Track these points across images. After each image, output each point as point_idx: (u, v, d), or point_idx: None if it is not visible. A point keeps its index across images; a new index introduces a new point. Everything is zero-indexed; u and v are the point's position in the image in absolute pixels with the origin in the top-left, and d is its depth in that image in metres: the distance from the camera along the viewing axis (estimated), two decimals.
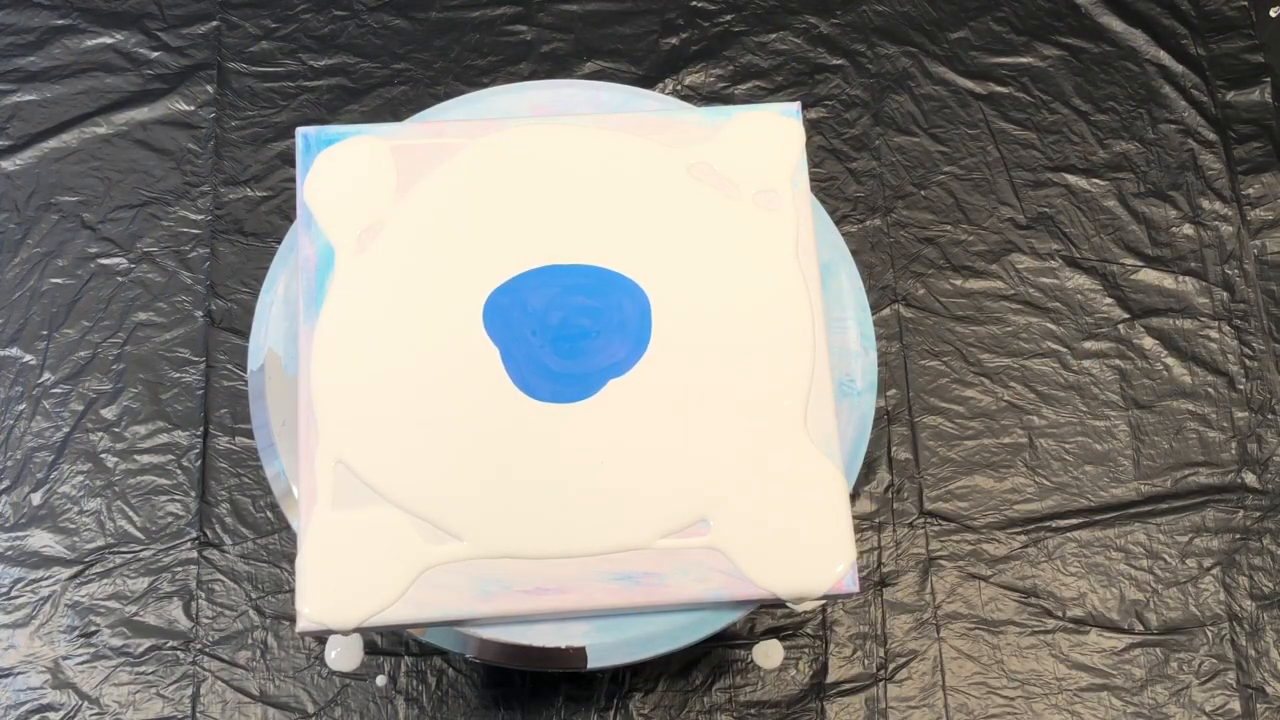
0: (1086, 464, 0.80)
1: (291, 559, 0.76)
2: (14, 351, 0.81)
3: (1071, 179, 0.87)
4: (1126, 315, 0.84)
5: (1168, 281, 0.85)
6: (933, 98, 0.89)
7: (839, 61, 0.90)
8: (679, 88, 0.88)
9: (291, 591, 0.76)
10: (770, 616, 0.76)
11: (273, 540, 0.77)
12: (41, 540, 0.77)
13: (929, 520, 0.79)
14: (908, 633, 0.77)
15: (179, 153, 0.86)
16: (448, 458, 0.53)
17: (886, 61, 0.90)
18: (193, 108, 0.87)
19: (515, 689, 0.75)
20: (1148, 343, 0.83)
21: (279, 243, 0.62)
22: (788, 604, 0.53)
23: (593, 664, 0.54)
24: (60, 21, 0.89)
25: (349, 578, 0.51)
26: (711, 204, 0.57)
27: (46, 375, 0.80)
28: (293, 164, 0.85)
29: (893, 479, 0.80)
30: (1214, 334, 0.84)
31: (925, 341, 0.83)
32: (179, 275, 0.83)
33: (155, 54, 0.88)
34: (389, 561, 0.51)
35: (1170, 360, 0.83)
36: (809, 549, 0.53)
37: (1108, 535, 0.79)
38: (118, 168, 0.85)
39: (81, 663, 0.75)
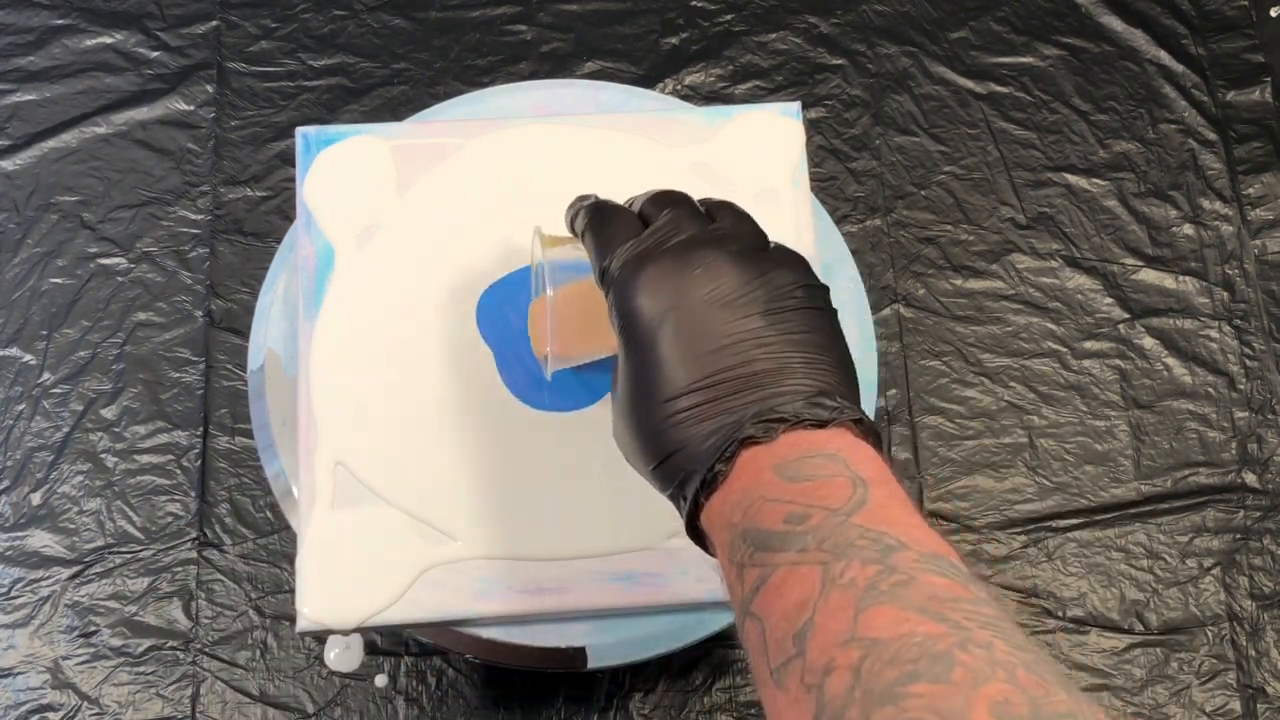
0: (1087, 464, 0.80)
1: (291, 559, 0.76)
2: (14, 351, 0.81)
3: (1072, 179, 0.87)
4: (1127, 315, 0.84)
5: (1168, 281, 0.85)
6: (933, 98, 0.89)
7: (839, 61, 0.90)
8: (679, 88, 0.88)
9: (291, 591, 0.76)
10: None
11: (273, 540, 0.77)
12: (41, 540, 0.77)
13: (929, 520, 0.79)
14: None
15: (179, 153, 0.86)
16: (447, 461, 0.53)
17: (886, 61, 0.90)
18: (192, 107, 0.87)
19: (515, 689, 0.74)
20: (1148, 343, 0.83)
21: (279, 243, 0.62)
22: None
23: (593, 664, 0.54)
24: (60, 21, 0.89)
25: (349, 578, 0.51)
26: None
27: (46, 375, 0.80)
28: (293, 164, 0.85)
29: None
30: (1214, 334, 0.84)
31: (925, 341, 0.83)
32: (179, 275, 0.83)
33: (155, 54, 0.88)
34: (389, 561, 0.51)
35: (1170, 360, 0.83)
36: None
37: (1108, 535, 0.79)
38: (117, 168, 0.85)
39: (81, 663, 0.75)
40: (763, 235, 0.42)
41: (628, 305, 0.40)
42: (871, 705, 0.29)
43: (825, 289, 0.41)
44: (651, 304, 0.39)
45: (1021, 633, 0.31)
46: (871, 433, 0.38)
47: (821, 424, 0.37)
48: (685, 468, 0.38)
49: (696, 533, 0.39)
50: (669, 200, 0.42)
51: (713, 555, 0.38)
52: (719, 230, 0.41)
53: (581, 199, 0.45)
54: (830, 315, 0.40)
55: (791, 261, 0.40)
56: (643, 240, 0.40)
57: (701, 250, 0.40)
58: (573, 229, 0.45)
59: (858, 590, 0.32)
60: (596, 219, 0.42)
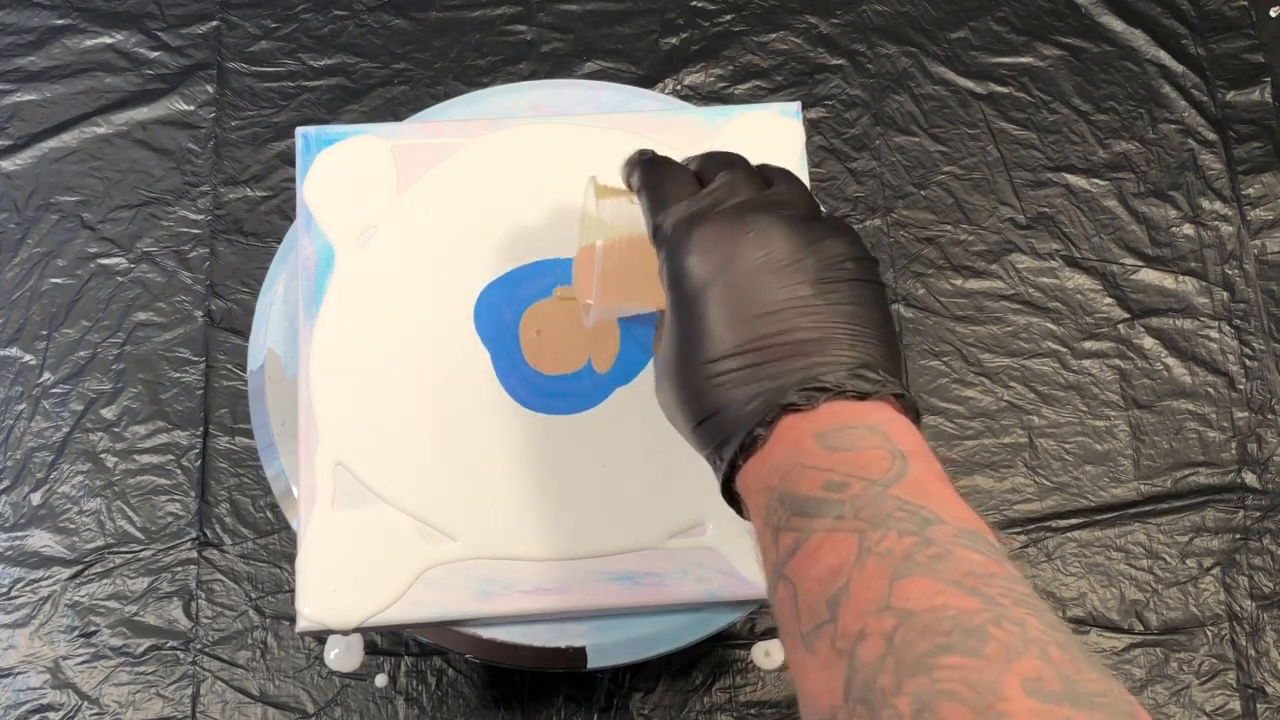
0: (1086, 464, 0.80)
1: (291, 559, 0.76)
2: (14, 351, 0.81)
3: (1071, 179, 0.87)
4: (1126, 315, 0.84)
5: (1168, 281, 0.85)
6: (933, 98, 0.89)
7: (839, 61, 0.90)
8: (679, 88, 0.88)
9: (291, 591, 0.76)
10: (770, 616, 0.76)
11: (273, 540, 0.77)
12: (41, 540, 0.77)
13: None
14: None
15: (179, 153, 0.86)
16: (447, 462, 0.53)
17: (886, 61, 0.90)
18: (193, 108, 0.87)
19: (515, 689, 0.74)
20: (1148, 343, 0.83)
21: (279, 243, 0.62)
22: None
23: (593, 664, 0.54)
24: (60, 21, 0.89)
25: (349, 578, 0.51)
26: None
27: (46, 375, 0.80)
28: (293, 164, 0.85)
29: None
30: (1214, 334, 0.84)
31: (925, 341, 0.83)
32: (179, 275, 0.83)
33: (155, 54, 0.88)
34: (389, 561, 0.51)
35: (1170, 360, 0.83)
36: None
37: (1108, 535, 0.79)
38: (118, 168, 0.85)
39: (81, 663, 0.75)
40: (816, 204, 0.42)
41: (678, 264, 0.40)
42: (904, 674, 0.29)
43: (875, 262, 0.41)
44: (702, 265, 0.39)
45: (1053, 612, 0.31)
46: (911, 408, 0.38)
47: (863, 396, 0.37)
48: (725, 429, 0.38)
49: (731, 495, 0.40)
50: (726, 161, 0.42)
51: (746, 519, 0.39)
52: (774, 196, 0.41)
53: (641, 153, 0.44)
54: (879, 289, 0.40)
55: (843, 232, 0.41)
56: (698, 200, 0.41)
57: (755, 214, 0.40)
58: (628, 183, 0.45)
59: (894, 560, 0.32)
60: (653, 175, 0.43)
